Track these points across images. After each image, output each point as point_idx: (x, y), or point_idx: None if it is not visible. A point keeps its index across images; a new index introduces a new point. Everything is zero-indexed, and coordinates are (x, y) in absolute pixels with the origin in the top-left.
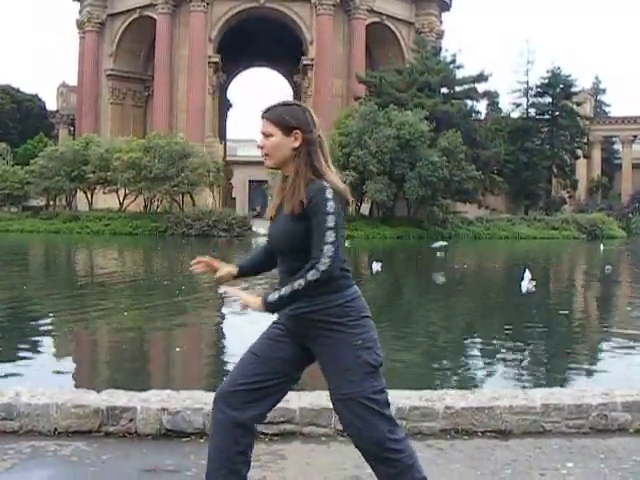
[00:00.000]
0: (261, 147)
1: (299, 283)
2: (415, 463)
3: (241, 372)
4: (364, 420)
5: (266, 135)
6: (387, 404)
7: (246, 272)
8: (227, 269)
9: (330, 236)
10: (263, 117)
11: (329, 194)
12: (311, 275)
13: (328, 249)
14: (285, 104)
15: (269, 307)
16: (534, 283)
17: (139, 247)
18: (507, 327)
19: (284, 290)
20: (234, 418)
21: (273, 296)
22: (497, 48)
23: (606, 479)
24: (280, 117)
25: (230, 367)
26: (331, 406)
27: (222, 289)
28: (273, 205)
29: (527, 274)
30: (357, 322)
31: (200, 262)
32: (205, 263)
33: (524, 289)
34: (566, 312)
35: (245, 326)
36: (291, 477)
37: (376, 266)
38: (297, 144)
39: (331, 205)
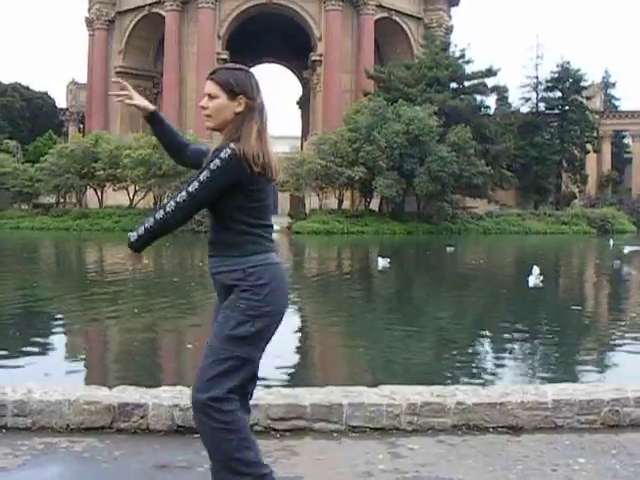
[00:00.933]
0: (204, 107)
1: (149, 222)
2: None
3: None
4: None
5: (211, 96)
6: (237, 374)
7: (160, 125)
8: (145, 102)
9: (192, 187)
10: (209, 78)
11: (224, 154)
12: (158, 215)
13: (181, 197)
14: (232, 68)
15: (132, 245)
16: (541, 278)
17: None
18: (517, 322)
19: (141, 228)
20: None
21: (134, 236)
22: (506, 43)
23: (618, 475)
24: (226, 81)
25: None
26: (342, 402)
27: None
28: None
29: (535, 269)
30: (251, 288)
31: (121, 95)
32: (124, 94)
33: (531, 284)
34: (576, 307)
35: None
36: (302, 473)
37: (382, 262)
38: (240, 109)
39: (216, 163)
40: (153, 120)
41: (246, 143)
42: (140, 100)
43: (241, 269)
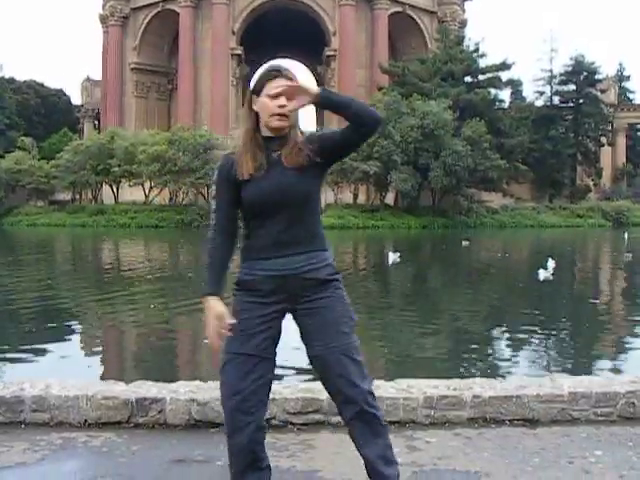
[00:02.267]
0: (283, 105)
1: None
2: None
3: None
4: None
5: (289, 97)
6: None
7: (222, 284)
8: (216, 313)
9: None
10: (288, 78)
11: (218, 162)
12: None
13: (211, 218)
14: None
15: (322, 99)
16: (552, 271)
17: (165, 240)
18: (531, 315)
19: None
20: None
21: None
22: (520, 36)
23: (634, 467)
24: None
25: None
26: None
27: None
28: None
29: (550, 262)
30: (340, 281)
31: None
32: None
33: (541, 277)
34: (594, 300)
35: None
36: (320, 466)
37: (393, 257)
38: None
39: (215, 174)
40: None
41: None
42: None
43: (330, 263)
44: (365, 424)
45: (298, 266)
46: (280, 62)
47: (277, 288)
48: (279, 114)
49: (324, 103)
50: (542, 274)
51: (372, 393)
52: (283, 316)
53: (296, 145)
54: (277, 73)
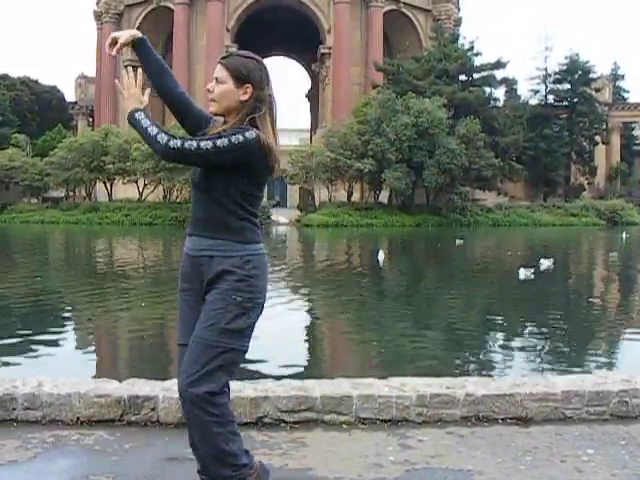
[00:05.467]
0: (210, 91)
1: (152, 129)
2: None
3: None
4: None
5: (218, 81)
6: (232, 367)
7: (149, 58)
8: (131, 32)
9: (205, 143)
10: (219, 62)
11: (250, 135)
12: (160, 137)
13: (191, 144)
14: (244, 56)
15: (129, 117)
16: (532, 270)
17: (159, 237)
18: (523, 313)
19: (146, 118)
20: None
21: (139, 113)
22: (515, 35)
23: (627, 465)
24: (235, 67)
25: (249, 355)
26: (352, 394)
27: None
28: None
29: (543, 261)
30: (248, 279)
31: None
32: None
33: (522, 276)
34: (593, 299)
35: (263, 315)
36: (313, 465)
37: (382, 256)
38: (245, 97)
39: (238, 139)
40: (139, 48)
41: (266, 133)
42: (124, 36)
43: (239, 256)
44: (184, 411)
45: (198, 247)
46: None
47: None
48: (208, 98)
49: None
50: (522, 273)
51: (194, 387)
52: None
53: (215, 129)
54: (219, 59)
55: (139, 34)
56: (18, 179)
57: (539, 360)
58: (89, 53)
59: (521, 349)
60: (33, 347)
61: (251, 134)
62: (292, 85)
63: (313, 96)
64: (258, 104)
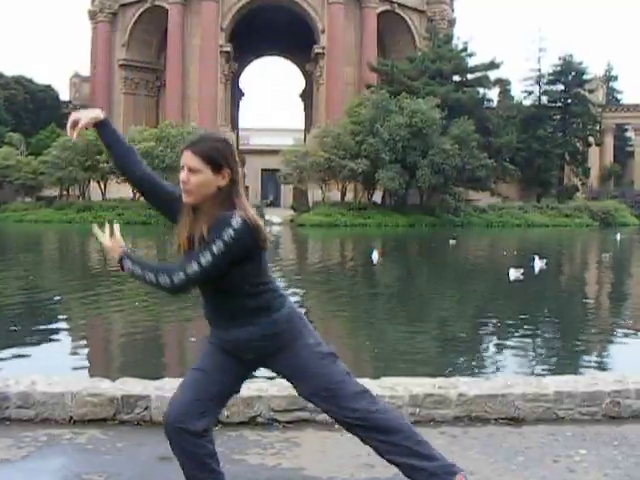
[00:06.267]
0: (184, 182)
1: (150, 277)
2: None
3: (193, 393)
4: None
5: (191, 170)
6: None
7: (112, 139)
8: (93, 113)
9: (205, 258)
10: (190, 150)
11: (234, 222)
12: (163, 280)
13: (194, 270)
14: (212, 139)
15: (123, 269)
16: (522, 271)
17: (152, 236)
18: (516, 314)
19: (139, 269)
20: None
21: (128, 266)
22: (509, 35)
23: (619, 466)
24: (209, 154)
25: None
26: None
27: (95, 229)
28: (183, 238)
29: (537, 261)
30: (302, 328)
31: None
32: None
33: (512, 277)
34: (586, 300)
35: None
36: (306, 464)
37: (376, 256)
38: (224, 183)
39: (229, 234)
40: (102, 129)
41: (248, 213)
42: (86, 116)
43: (278, 329)
44: None
45: (237, 338)
46: (205, 134)
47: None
48: (182, 189)
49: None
50: (512, 274)
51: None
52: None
53: (205, 221)
54: (185, 146)
55: (101, 116)
56: (12, 178)
57: (532, 360)
58: (83, 52)
59: (514, 349)
60: (26, 346)
61: (237, 221)
62: (286, 85)
63: (307, 96)
64: (234, 185)
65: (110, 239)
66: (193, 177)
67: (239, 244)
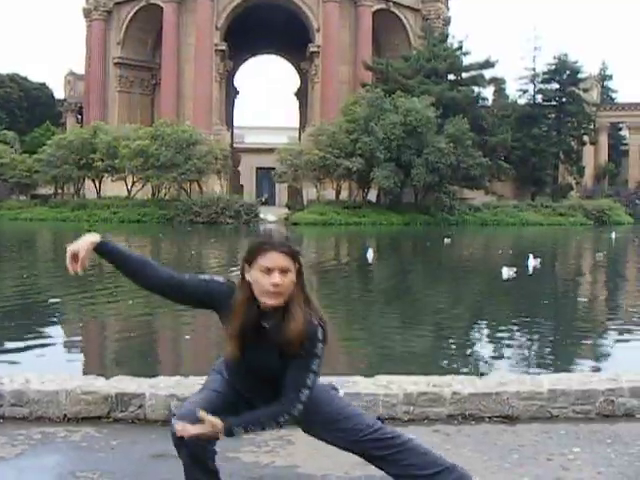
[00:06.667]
0: (277, 285)
1: (271, 425)
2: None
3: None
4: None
5: (284, 271)
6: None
7: (115, 258)
8: (89, 240)
9: (310, 380)
10: (279, 251)
11: (320, 334)
12: (284, 419)
13: (305, 395)
14: (283, 234)
15: (232, 434)
16: (514, 270)
17: (147, 235)
18: (511, 312)
19: (251, 426)
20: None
21: (239, 429)
22: (504, 34)
23: (612, 464)
24: (294, 251)
25: None
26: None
27: (178, 426)
28: (237, 340)
29: (531, 260)
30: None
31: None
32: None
33: (504, 276)
34: (582, 299)
35: None
36: (300, 462)
37: (371, 254)
38: (298, 278)
39: (320, 347)
40: (103, 251)
41: (320, 312)
42: (83, 247)
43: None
44: None
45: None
46: (274, 233)
47: None
48: (273, 292)
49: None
50: (505, 273)
51: None
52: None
53: (298, 327)
54: (269, 247)
55: (97, 239)
56: (6, 176)
57: (526, 359)
58: (78, 50)
59: (508, 348)
60: (20, 344)
61: (322, 332)
62: (281, 83)
63: (302, 94)
64: (301, 276)
65: (211, 423)
66: (286, 278)
67: (324, 348)
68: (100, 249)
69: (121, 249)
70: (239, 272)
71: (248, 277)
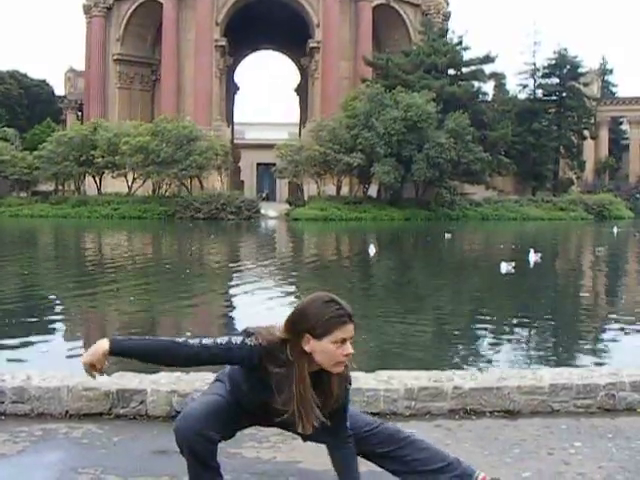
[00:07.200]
0: (349, 355)
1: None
2: None
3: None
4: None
5: (347, 339)
6: None
7: (133, 354)
8: (99, 349)
9: (347, 419)
10: (353, 323)
11: (350, 380)
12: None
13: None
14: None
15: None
16: (513, 264)
17: (147, 231)
18: (513, 308)
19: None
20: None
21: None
22: (504, 29)
23: (614, 458)
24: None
25: None
26: None
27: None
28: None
29: (532, 254)
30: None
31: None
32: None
33: (503, 270)
34: (584, 294)
35: (253, 307)
36: (301, 457)
37: (372, 249)
38: None
39: (350, 391)
40: (117, 351)
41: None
42: (97, 359)
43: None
44: None
45: None
46: (344, 305)
47: None
48: (343, 361)
49: None
50: (504, 267)
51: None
52: None
53: (336, 391)
54: (347, 319)
55: (106, 344)
56: (7, 173)
57: (527, 353)
58: (78, 47)
59: (509, 342)
60: (21, 341)
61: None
62: (281, 79)
63: (302, 90)
64: None
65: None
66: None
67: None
68: (115, 352)
69: (135, 344)
70: (294, 344)
71: (308, 348)
